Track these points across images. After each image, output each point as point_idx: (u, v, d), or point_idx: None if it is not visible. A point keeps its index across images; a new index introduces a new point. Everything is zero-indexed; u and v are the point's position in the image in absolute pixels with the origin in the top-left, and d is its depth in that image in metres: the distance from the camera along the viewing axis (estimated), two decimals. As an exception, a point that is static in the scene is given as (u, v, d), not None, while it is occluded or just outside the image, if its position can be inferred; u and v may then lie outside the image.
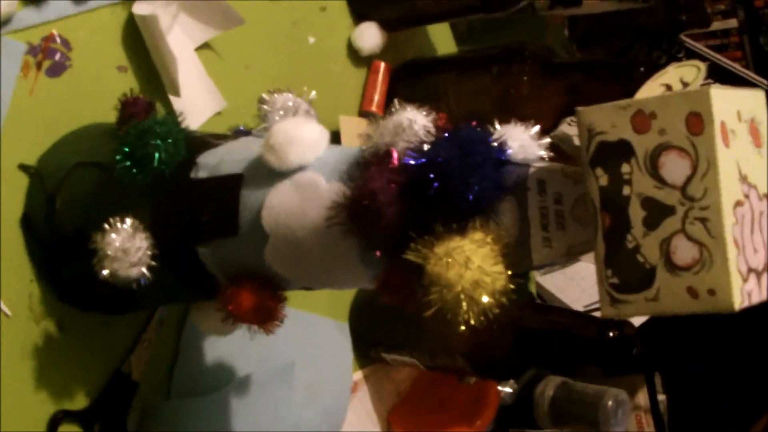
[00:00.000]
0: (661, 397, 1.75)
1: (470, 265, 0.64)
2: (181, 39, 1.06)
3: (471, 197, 0.66)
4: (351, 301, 1.27)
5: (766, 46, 2.14)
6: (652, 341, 1.60)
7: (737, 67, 1.85)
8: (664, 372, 1.77)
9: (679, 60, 1.79)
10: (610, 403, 1.25)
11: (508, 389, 1.32)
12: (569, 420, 1.30)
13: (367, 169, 0.70)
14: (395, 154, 0.70)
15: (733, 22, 2.22)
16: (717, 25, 2.19)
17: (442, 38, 1.45)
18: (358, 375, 1.27)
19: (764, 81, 1.77)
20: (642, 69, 1.14)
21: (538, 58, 1.21)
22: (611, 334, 1.05)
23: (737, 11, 2.21)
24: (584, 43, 1.88)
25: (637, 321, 1.29)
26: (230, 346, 1.08)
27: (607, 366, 1.08)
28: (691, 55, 1.85)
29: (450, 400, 1.29)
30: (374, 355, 1.27)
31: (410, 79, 1.33)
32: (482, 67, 1.25)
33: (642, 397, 1.71)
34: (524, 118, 0.74)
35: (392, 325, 1.23)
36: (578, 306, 1.48)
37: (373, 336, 1.26)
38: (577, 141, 0.66)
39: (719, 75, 1.77)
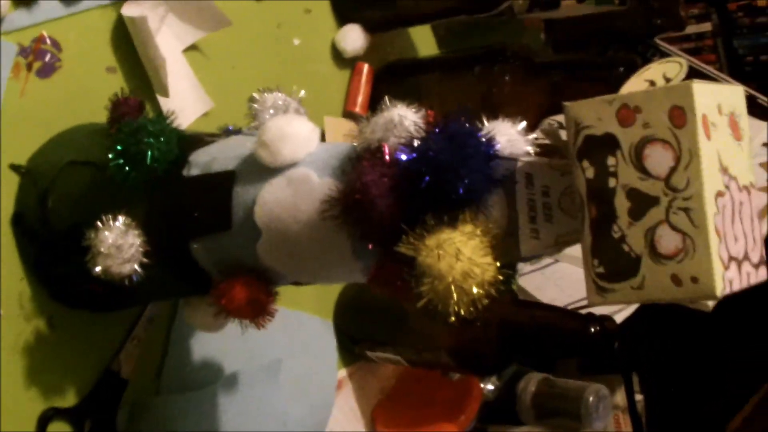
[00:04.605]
0: (639, 396, 1.76)
1: (461, 256, 0.66)
2: (169, 40, 1.07)
3: (462, 190, 0.67)
4: (335, 299, 1.28)
5: (740, 50, 2.17)
6: (629, 341, 1.62)
7: (711, 70, 1.87)
8: (641, 372, 1.78)
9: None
10: (591, 397, 1.26)
11: (490, 386, 1.33)
12: (552, 415, 1.31)
13: (360, 164, 0.72)
14: (387, 149, 0.72)
15: (707, 26, 2.24)
16: (691, 29, 2.20)
17: (423, 40, 1.46)
18: (343, 373, 1.28)
19: (738, 84, 1.79)
20: (621, 69, 1.16)
21: (519, 58, 1.23)
22: (593, 329, 1.07)
23: (711, 15, 2.23)
24: (560, 46, 1.90)
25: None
26: (218, 344, 1.09)
27: (585, 362, 1.09)
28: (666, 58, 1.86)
29: (433, 397, 1.30)
30: (359, 353, 1.28)
31: (393, 80, 1.34)
32: (465, 68, 1.26)
33: (620, 397, 1.72)
34: (507, 118, 0.75)
35: (376, 322, 1.23)
36: (556, 305, 1.49)
37: (357, 333, 1.27)
38: (563, 135, 0.68)
39: (694, 78, 1.79)
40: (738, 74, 2.12)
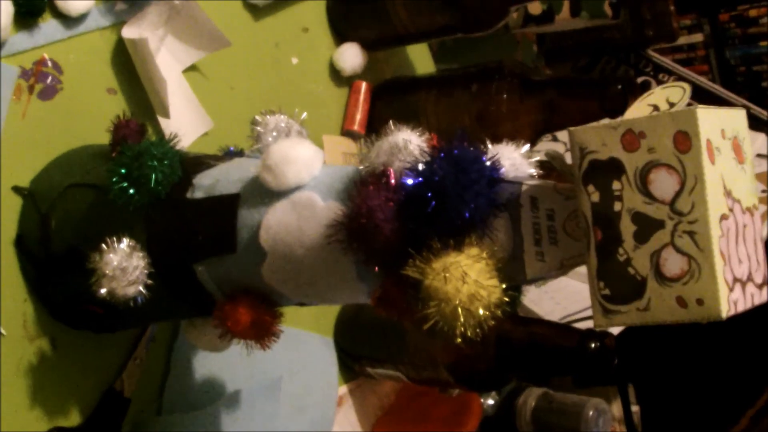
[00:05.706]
0: (635, 408, 1.77)
1: (467, 279, 0.66)
2: (168, 61, 1.07)
3: (467, 214, 0.68)
4: (335, 317, 1.29)
5: (732, 60, 2.17)
6: (625, 352, 1.63)
7: (704, 81, 1.87)
8: (637, 383, 1.79)
9: (646, 74, 1.82)
10: (591, 412, 1.27)
11: (490, 401, 1.34)
12: (551, 430, 1.31)
13: (365, 188, 0.72)
14: (392, 174, 0.72)
15: (698, 37, 2.24)
16: (683, 40, 2.21)
17: (420, 57, 1.47)
18: (343, 389, 1.28)
19: (731, 94, 1.79)
20: (619, 86, 1.16)
21: (516, 76, 1.23)
22: (593, 345, 1.07)
23: (702, 26, 2.23)
24: (552, 58, 1.91)
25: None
26: (219, 363, 1.09)
27: (584, 377, 1.09)
28: (658, 69, 1.87)
29: (433, 413, 1.30)
30: (359, 370, 1.28)
31: (390, 98, 1.34)
32: (461, 85, 1.26)
33: (615, 408, 1.72)
34: (503, 135, 0.76)
35: (376, 339, 1.24)
36: (553, 318, 1.49)
37: (357, 350, 1.27)
38: (569, 159, 0.68)
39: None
40: (730, 85, 2.13)
